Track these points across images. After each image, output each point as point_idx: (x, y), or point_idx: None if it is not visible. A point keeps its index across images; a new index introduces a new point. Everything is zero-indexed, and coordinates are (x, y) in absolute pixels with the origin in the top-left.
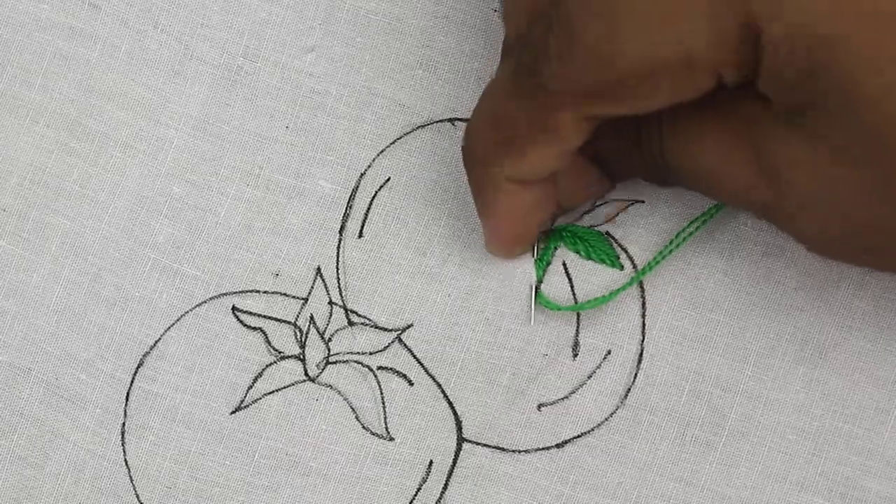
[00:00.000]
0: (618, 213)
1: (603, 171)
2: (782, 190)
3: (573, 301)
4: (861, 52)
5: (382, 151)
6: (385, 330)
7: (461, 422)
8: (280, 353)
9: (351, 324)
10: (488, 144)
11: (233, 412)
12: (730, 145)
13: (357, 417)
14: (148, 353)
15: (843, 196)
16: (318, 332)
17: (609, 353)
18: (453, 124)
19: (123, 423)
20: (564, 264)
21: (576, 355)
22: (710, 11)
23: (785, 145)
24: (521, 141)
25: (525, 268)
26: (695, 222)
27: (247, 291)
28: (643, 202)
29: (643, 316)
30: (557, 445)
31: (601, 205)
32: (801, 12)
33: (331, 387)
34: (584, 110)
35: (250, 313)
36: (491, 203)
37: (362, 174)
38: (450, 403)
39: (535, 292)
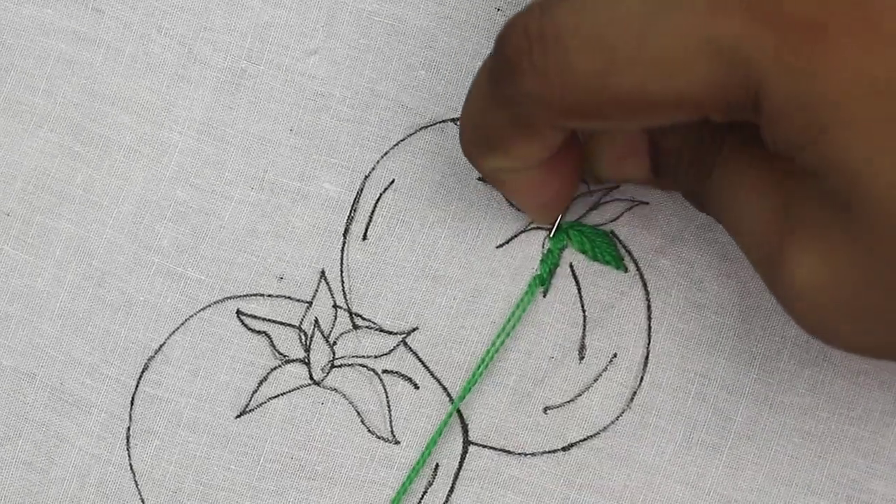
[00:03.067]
0: (622, 213)
1: (651, 159)
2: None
3: (581, 306)
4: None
5: (386, 153)
6: (390, 333)
7: (467, 424)
8: (285, 356)
9: (356, 327)
10: (473, 143)
11: (238, 416)
12: (762, 189)
13: (362, 421)
14: (153, 357)
15: (843, 273)
16: (323, 335)
17: (615, 355)
18: (456, 124)
19: (128, 428)
20: (571, 266)
21: (582, 358)
22: (709, 62)
23: (804, 208)
24: (502, 141)
25: (532, 271)
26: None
27: (251, 295)
28: (647, 203)
29: (649, 319)
30: (563, 448)
31: (606, 202)
32: (804, 83)
33: (336, 390)
34: (559, 123)
35: (255, 317)
36: (501, 187)
37: (366, 176)
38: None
39: (535, 283)
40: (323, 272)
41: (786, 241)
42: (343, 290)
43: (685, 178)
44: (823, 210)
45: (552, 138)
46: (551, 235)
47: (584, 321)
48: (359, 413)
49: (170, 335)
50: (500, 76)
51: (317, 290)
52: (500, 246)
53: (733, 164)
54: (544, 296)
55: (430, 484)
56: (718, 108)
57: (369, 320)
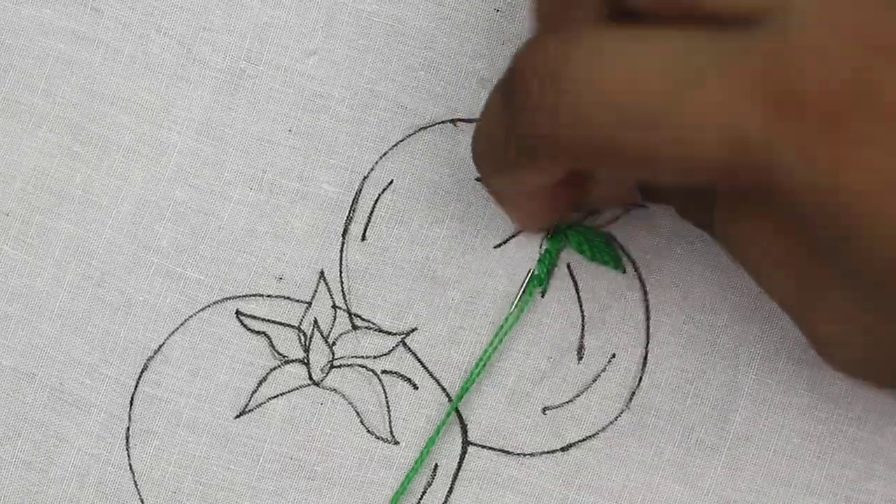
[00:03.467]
0: (619, 216)
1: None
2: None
3: (578, 305)
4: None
5: (385, 154)
6: (389, 334)
7: (466, 425)
8: (284, 357)
9: (355, 328)
10: (483, 156)
11: (237, 416)
12: (779, 250)
13: (362, 421)
14: (152, 357)
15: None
16: (322, 336)
17: (614, 356)
18: (455, 125)
19: (128, 428)
20: (569, 266)
21: (581, 358)
22: (725, 146)
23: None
24: (509, 164)
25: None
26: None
27: (250, 295)
28: (646, 207)
29: (647, 319)
30: (562, 448)
31: None
32: (826, 178)
33: (335, 391)
34: (565, 162)
35: (254, 317)
36: (501, 203)
37: (365, 177)
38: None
39: (529, 280)
40: (322, 272)
41: (806, 304)
42: (342, 291)
43: (688, 207)
44: (844, 287)
45: (556, 169)
46: (549, 236)
47: (583, 321)
48: (358, 413)
49: (169, 335)
50: (510, 104)
51: (316, 291)
52: (498, 246)
53: (734, 213)
54: (542, 296)
55: (429, 484)
56: (727, 183)
57: (368, 321)
